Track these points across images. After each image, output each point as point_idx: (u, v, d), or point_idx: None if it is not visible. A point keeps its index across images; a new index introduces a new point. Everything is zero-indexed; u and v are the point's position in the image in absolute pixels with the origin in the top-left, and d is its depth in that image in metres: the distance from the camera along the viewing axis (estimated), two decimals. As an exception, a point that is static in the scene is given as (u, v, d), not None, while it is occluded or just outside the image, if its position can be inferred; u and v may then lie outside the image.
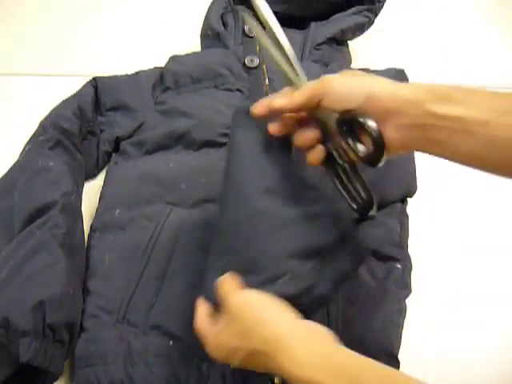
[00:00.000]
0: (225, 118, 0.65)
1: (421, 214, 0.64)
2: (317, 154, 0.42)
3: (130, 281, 0.53)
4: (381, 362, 0.49)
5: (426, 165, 0.63)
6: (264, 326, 0.35)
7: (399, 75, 0.66)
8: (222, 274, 0.40)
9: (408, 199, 0.63)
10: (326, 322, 0.51)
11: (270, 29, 0.43)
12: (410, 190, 0.62)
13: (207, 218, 0.56)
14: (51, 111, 0.64)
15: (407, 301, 0.56)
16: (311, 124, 0.42)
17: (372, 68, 0.74)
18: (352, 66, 0.79)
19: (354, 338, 0.51)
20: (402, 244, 0.59)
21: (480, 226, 0.67)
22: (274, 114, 0.42)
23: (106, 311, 0.52)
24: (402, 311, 0.55)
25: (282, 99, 0.41)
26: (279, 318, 0.36)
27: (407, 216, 0.61)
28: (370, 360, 0.32)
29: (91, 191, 0.65)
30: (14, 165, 0.60)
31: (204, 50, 0.78)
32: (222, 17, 0.76)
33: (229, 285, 0.39)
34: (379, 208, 0.60)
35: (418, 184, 0.63)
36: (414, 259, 0.59)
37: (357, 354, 0.33)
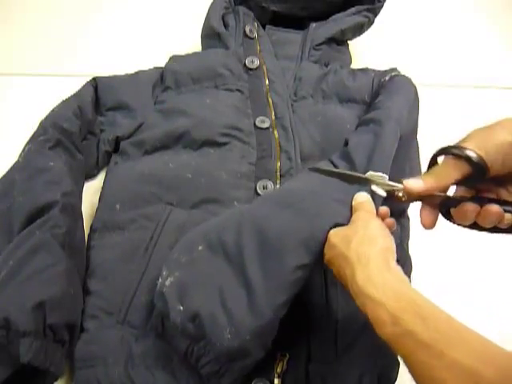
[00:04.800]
0: (225, 117, 0.65)
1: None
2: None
3: (130, 282, 0.53)
4: (380, 363, 0.49)
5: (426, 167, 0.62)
6: (367, 244, 0.39)
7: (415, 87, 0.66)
8: None
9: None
10: (325, 320, 0.51)
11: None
12: None
13: (207, 219, 0.56)
14: (51, 111, 0.64)
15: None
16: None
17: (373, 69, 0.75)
18: (352, 66, 0.79)
19: (353, 338, 0.51)
20: (403, 245, 0.59)
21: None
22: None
23: (106, 312, 0.52)
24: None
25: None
26: (383, 246, 0.39)
27: (408, 218, 0.61)
28: (441, 309, 0.34)
29: (91, 191, 0.65)
30: (14, 165, 0.59)
31: (204, 50, 0.78)
32: (223, 17, 0.76)
33: (368, 202, 0.45)
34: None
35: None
36: (414, 260, 0.59)
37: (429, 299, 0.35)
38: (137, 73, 0.72)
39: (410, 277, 0.58)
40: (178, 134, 0.65)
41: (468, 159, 0.37)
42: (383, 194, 0.45)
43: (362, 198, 0.46)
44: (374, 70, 0.72)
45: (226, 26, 0.76)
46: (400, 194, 0.45)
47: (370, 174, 0.47)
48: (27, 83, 0.80)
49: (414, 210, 0.62)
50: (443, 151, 0.39)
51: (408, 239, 0.60)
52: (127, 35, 0.89)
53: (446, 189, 0.40)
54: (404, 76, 0.68)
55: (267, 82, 0.70)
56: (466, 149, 0.37)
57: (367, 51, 0.85)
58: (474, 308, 0.60)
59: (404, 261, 0.58)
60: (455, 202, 0.41)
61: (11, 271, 0.48)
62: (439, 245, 0.65)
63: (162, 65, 0.73)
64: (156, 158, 0.64)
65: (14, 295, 0.46)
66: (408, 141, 0.62)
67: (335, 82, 0.71)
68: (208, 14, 0.77)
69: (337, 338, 0.51)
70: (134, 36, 0.88)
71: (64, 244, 0.52)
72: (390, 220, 0.47)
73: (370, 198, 0.46)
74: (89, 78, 0.70)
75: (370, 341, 0.50)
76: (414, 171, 0.63)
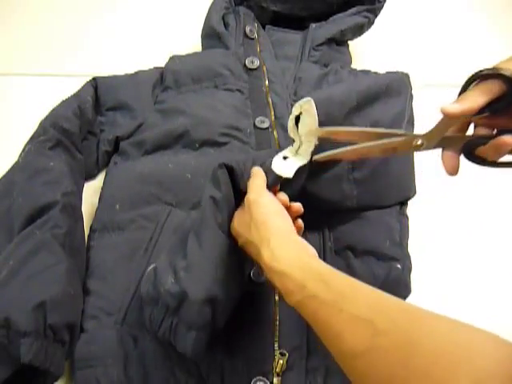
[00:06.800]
0: (224, 117, 0.65)
1: (421, 214, 0.64)
2: None
3: (130, 282, 0.53)
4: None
5: (425, 165, 0.63)
6: (263, 227, 0.41)
7: (402, 78, 0.65)
8: None
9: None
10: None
11: None
12: (407, 196, 0.62)
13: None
14: (51, 111, 0.64)
15: (407, 301, 0.56)
16: None
17: (373, 69, 0.75)
18: (352, 66, 0.79)
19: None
20: (402, 244, 0.59)
21: (479, 226, 0.67)
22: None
23: (105, 312, 0.52)
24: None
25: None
26: (277, 224, 0.42)
27: (407, 217, 0.62)
28: (341, 273, 0.36)
29: (91, 191, 0.65)
30: (14, 165, 0.60)
31: (204, 50, 0.78)
32: (223, 17, 0.76)
33: (257, 180, 0.46)
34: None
35: (418, 184, 0.63)
36: (414, 259, 0.59)
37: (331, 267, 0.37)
38: (137, 73, 0.72)
39: (409, 276, 0.58)
40: (177, 134, 0.65)
41: (502, 76, 0.37)
42: (286, 173, 0.47)
43: (254, 171, 0.48)
44: (376, 73, 0.72)
45: (226, 26, 0.76)
46: (419, 143, 0.44)
47: (298, 104, 0.48)
48: (27, 83, 0.80)
49: (413, 209, 0.62)
50: (475, 76, 0.39)
51: (407, 238, 0.60)
52: (127, 35, 0.89)
53: (480, 109, 0.39)
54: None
55: (267, 82, 0.70)
56: (498, 68, 0.37)
57: (367, 51, 0.85)
58: (473, 306, 0.60)
59: (403, 260, 0.58)
60: (485, 139, 0.41)
61: (12, 271, 0.48)
62: (439, 244, 0.65)
63: (162, 65, 0.73)
64: (156, 158, 0.64)
65: (14, 295, 0.47)
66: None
67: (336, 82, 0.71)
68: (208, 14, 0.77)
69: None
70: (134, 36, 0.88)
71: (64, 244, 0.52)
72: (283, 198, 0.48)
73: (262, 173, 0.47)
74: (89, 78, 0.70)
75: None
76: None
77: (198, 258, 0.45)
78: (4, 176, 0.59)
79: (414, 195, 0.62)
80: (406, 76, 0.64)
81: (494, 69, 0.37)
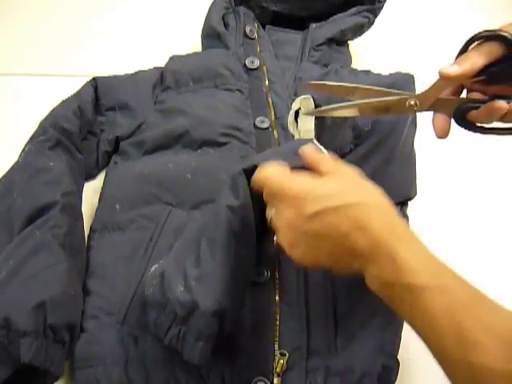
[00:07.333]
0: (225, 117, 0.65)
1: (421, 214, 0.64)
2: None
3: (130, 282, 0.53)
4: (380, 362, 0.49)
5: (426, 166, 0.63)
6: (372, 191, 0.36)
7: (406, 79, 0.65)
8: None
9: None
10: (325, 319, 0.52)
11: None
12: (408, 196, 0.62)
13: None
14: (51, 111, 0.64)
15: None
16: None
17: (373, 69, 0.75)
18: (352, 66, 0.79)
19: (352, 336, 0.51)
20: (402, 244, 0.59)
21: (480, 226, 0.67)
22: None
23: (106, 312, 0.52)
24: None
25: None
26: (381, 193, 0.36)
27: (407, 217, 0.61)
28: None
29: (91, 191, 0.65)
30: (14, 165, 0.60)
31: (205, 50, 0.78)
32: (223, 17, 0.76)
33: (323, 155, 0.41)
34: None
35: (418, 185, 0.63)
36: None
37: None
38: (137, 73, 0.72)
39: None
40: (177, 134, 0.65)
41: (502, 38, 0.37)
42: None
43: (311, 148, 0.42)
44: (376, 74, 0.72)
45: (226, 26, 0.76)
46: (412, 102, 0.44)
47: (298, 99, 0.48)
48: (27, 83, 0.80)
49: (413, 209, 0.62)
50: (474, 37, 0.39)
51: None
52: (127, 35, 0.89)
53: (478, 72, 0.38)
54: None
55: (267, 82, 0.70)
56: (498, 30, 0.37)
57: (367, 51, 0.85)
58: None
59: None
60: (478, 103, 0.41)
61: (12, 271, 0.48)
62: (439, 244, 0.65)
63: (162, 65, 0.73)
64: (156, 158, 0.64)
65: (14, 295, 0.47)
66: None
67: (336, 81, 0.70)
68: (208, 14, 0.78)
69: (337, 333, 0.51)
70: (134, 36, 0.88)
71: (64, 244, 0.52)
72: None
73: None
74: (89, 78, 0.70)
75: (370, 341, 0.50)
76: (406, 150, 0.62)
77: (211, 269, 0.44)
78: (4, 176, 0.59)
79: (414, 196, 0.62)
80: (411, 77, 0.64)
81: (494, 30, 0.37)
